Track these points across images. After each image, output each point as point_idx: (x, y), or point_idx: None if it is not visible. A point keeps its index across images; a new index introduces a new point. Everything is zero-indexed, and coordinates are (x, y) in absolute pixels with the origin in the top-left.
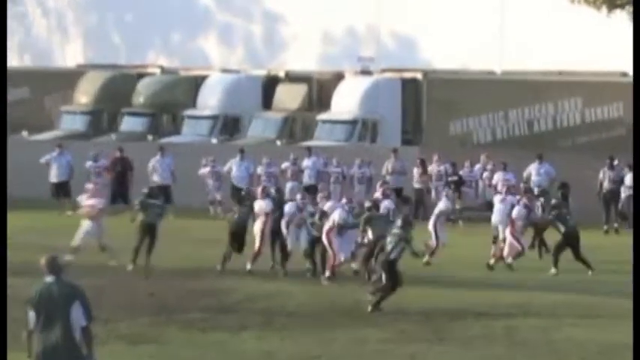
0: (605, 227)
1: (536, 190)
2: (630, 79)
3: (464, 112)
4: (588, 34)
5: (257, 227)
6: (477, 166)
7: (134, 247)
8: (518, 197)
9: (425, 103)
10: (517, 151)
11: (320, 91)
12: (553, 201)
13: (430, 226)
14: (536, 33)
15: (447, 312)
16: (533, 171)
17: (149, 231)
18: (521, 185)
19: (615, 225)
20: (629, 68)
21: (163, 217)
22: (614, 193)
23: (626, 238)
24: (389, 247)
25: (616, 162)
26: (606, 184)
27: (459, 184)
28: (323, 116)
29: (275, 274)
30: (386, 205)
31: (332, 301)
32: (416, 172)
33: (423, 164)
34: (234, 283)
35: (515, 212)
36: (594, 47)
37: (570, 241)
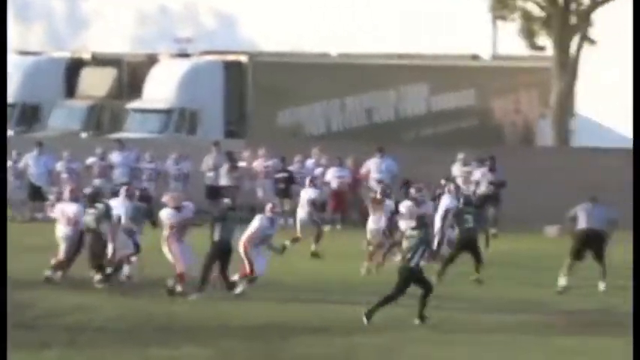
0: None
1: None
2: (483, 63)
3: (294, 99)
4: (434, 12)
5: (62, 232)
6: (309, 161)
7: None
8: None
9: (250, 90)
10: (355, 144)
11: (131, 76)
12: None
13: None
14: (376, 11)
15: (278, 328)
16: (373, 166)
17: None
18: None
19: (494, 230)
20: (480, 51)
21: None
22: (493, 197)
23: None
24: (408, 254)
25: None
26: (484, 188)
27: (288, 182)
28: (134, 105)
29: (82, 285)
30: (387, 205)
31: (146, 316)
32: (224, 167)
33: (232, 158)
34: (33, 296)
35: (403, 208)
36: (442, 28)
37: (466, 245)
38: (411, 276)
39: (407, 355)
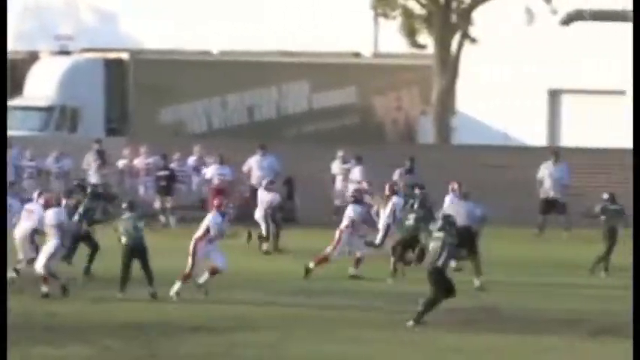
0: None
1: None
2: (365, 60)
3: (176, 97)
4: (316, 9)
5: None
6: (191, 159)
7: None
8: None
9: (132, 88)
10: (236, 141)
11: (12, 73)
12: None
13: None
14: (257, 7)
15: (158, 326)
16: (255, 164)
17: None
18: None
19: None
20: (362, 48)
21: None
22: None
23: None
24: (435, 255)
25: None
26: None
27: (170, 179)
28: (15, 102)
29: None
30: (394, 202)
31: (27, 315)
32: (94, 165)
33: (102, 155)
34: None
35: (350, 210)
36: (324, 25)
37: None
38: (440, 276)
39: (288, 352)
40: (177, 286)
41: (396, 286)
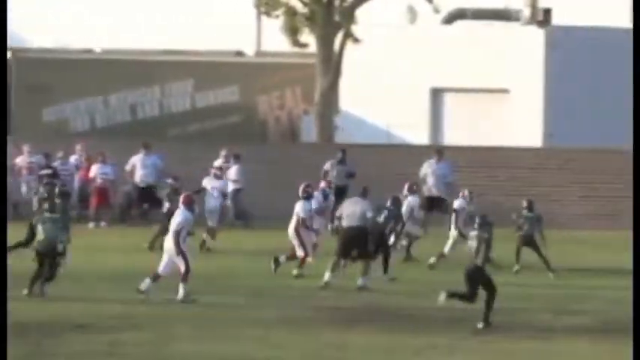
0: None
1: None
2: (247, 59)
3: (58, 96)
4: (200, 8)
5: None
6: (73, 157)
7: None
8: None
9: (14, 86)
10: (119, 140)
11: None
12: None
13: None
14: (140, 6)
15: (42, 325)
16: (139, 163)
17: None
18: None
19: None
20: (244, 47)
21: None
22: (344, 191)
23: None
24: (474, 254)
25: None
26: (337, 180)
27: (52, 178)
28: None
29: None
30: (410, 201)
31: None
32: None
33: None
34: None
35: (298, 207)
36: (206, 23)
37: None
38: (479, 275)
39: (169, 351)
40: (182, 289)
41: (291, 284)
